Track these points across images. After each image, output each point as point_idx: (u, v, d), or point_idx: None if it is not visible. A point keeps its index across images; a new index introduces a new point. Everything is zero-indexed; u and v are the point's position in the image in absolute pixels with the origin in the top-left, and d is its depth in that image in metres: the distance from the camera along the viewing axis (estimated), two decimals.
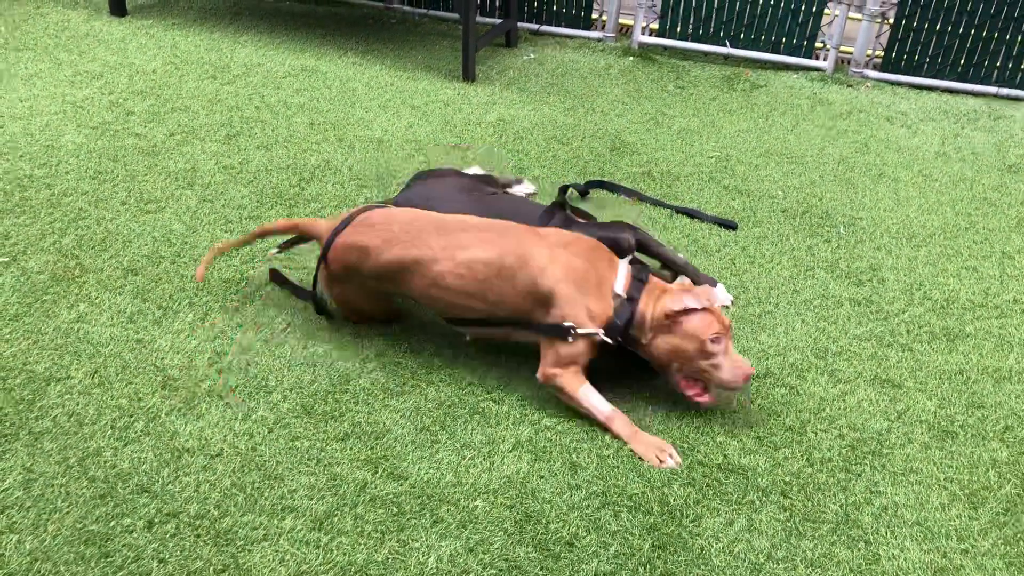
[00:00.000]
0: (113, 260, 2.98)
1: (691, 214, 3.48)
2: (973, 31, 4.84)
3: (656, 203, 3.54)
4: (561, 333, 2.36)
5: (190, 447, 2.25)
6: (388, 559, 1.99)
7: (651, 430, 2.39)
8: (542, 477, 2.23)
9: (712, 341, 2.34)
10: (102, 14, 5.33)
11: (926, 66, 5.00)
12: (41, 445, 2.23)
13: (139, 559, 1.96)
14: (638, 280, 2.45)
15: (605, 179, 3.67)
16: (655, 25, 5.44)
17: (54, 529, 2.01)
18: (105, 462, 2.19)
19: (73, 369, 2.49)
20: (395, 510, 2.11)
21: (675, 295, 2.39)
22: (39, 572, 1.91)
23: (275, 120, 4.09)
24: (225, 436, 2.29)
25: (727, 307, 2.91)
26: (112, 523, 2.03)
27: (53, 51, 4.74)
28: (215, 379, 2.49)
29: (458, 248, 2.44)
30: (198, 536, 2.02)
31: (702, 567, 2.02)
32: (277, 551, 1.99)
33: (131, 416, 2.34)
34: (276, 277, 2.91)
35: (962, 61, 4.94)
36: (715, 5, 5.18)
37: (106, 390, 2.42)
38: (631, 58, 5.24)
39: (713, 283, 2.95)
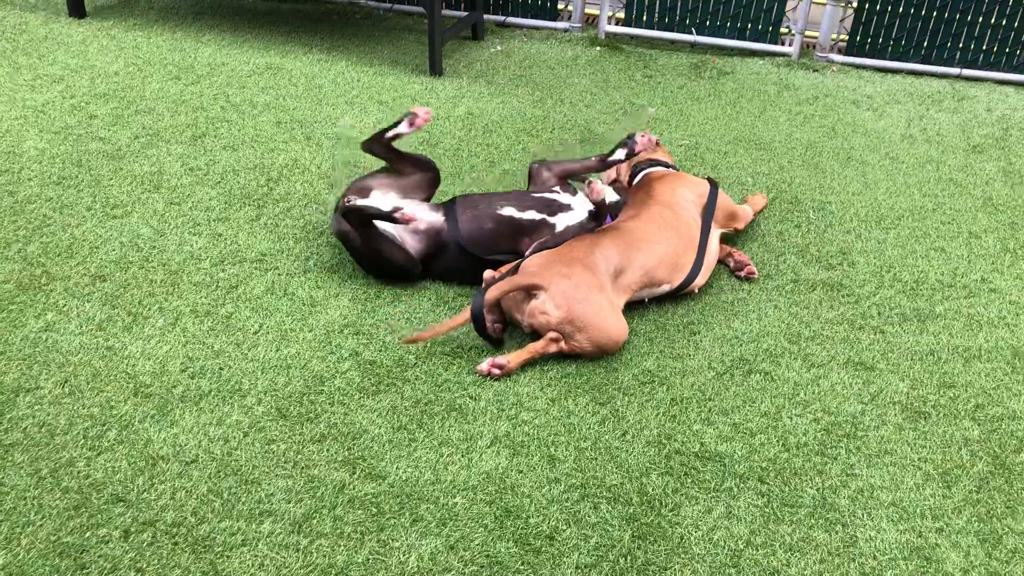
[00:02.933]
0: (80, 267, 2.94)
1: None
2: (935, 13, 4.89)
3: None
4: None
5: (164, 454, 2.23)
6: (369, 560, 1.99)
7: (627, 420, 2.41)
8: (521, 472, 2.23)
9: None
10: (61, 16, 5.25)
11: (890, 49, 5.05)
12: (12, 457, 2.20)
13: (116, 570, 1.93)
14: None
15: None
16: (621, 14, 5.44)
17: (27, 542, 1.98)
18: (78, 472, 2.17)
19: (42, 379, 2.46)
20: (374, 510, 2.10)
21: None
22: None
23: (241, 120, 4.04)
24: (200, 442, 2.27)
25: None
26: (87, 534, 2.01)
27: (11, 55, 4.65)
28: (187, 384, 2.46)
29: None
30: (176, 544, 2.00)
31: (682, 555, 2.03)
32: (256, 556, 1.98)
33: (103, 425, 2.31)
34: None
35: (925, 43, 4.98)
36: None
37: (77, 399, 2.39)
38: (598, 48, 5.24)
39: None
